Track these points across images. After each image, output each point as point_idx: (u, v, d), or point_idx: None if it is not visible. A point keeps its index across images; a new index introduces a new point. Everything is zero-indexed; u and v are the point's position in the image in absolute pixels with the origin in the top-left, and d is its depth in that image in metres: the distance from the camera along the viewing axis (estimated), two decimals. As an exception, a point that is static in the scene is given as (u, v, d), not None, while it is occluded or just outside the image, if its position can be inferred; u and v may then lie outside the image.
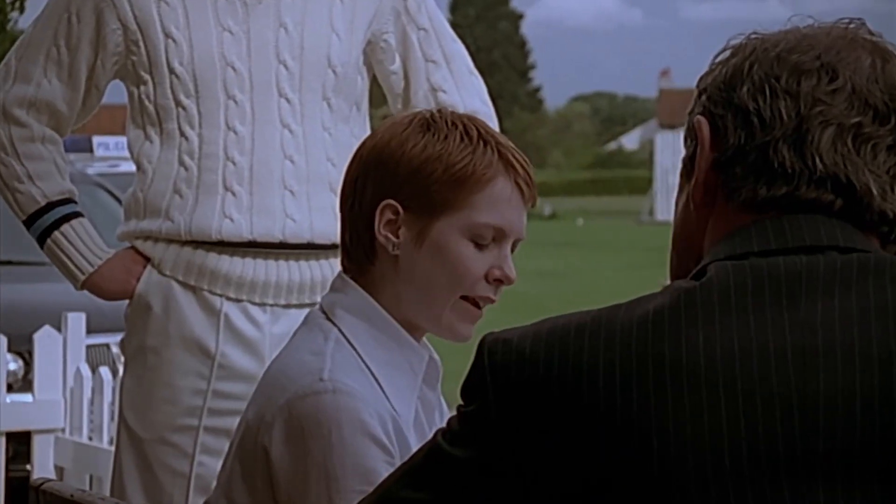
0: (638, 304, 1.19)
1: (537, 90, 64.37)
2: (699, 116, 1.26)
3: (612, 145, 60.52)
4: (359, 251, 1.77)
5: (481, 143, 1.74)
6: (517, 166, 1.75)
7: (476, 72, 2.74)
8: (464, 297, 1.75)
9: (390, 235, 1.74)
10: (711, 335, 1.15)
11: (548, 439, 1.17)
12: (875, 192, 1.21)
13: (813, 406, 1.13)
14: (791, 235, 1.20)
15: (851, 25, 1.24)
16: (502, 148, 1.75)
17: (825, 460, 1.13)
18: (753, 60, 1.23)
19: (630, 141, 59.49)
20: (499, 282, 1.76)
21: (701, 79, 1.27)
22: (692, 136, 1.27)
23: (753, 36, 1.26)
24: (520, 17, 63.56)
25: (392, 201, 1.73)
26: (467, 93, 2.69)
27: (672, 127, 38.06)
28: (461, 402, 1.23)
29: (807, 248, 1.19)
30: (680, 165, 1.29)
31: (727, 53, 1.26)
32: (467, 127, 1.75)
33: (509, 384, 1.19)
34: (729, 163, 1.23)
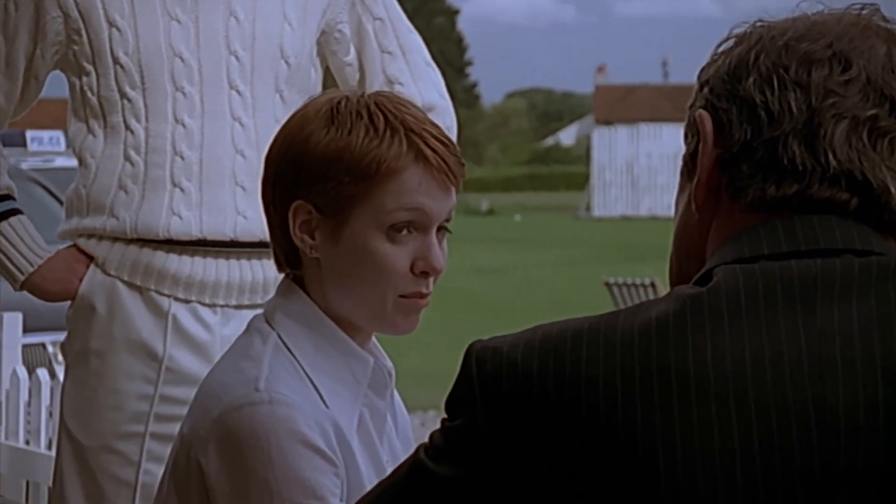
0: (639, 310, 1.11)
1: (474, 86, 64.43)
2: (701, 110, 1.17)
3: (549, 141, 60.71)
4: (281, 255, 1.70)
5: (388, 132, 1.63)
6: (428, 153, 1.63)
7: (433, 63, 2.65)
8: (403, 296, 1.66)
9: (306, 237, 1.66)
10: (721, 343, 1.07)
11: (542, 457, 1.09)
12: (893, 189, 1.13)
13: (832, 419, 1.06)
14: (804, 237, 1.13)
15: (864, 11, 1.17)
16: (412, 135, 1.64)
17: (846, 477, 1.06)
18: (760, 50, 1.15)
19: (567, 136, 59.71)
20: (425, 273, 1.66)
21: (702, 70, 1.19)
22: (694, 132, 1.18)
23: (759, 24, 1.18)
24: (456, 12, 63.59)
25: (302, 202, 1.65)
26: (424, 85, 2.61)
27: (608, 123, 38.21)
28: (446, 415, 1.15)
29: (821, 251, 1.12)
30: (680, 163, 1.21)
31: (731, 43, 1.18)
32: (373, 116, 1.64)
33: (500, 397, 1.10)
34: (734, 160, 1.15)
